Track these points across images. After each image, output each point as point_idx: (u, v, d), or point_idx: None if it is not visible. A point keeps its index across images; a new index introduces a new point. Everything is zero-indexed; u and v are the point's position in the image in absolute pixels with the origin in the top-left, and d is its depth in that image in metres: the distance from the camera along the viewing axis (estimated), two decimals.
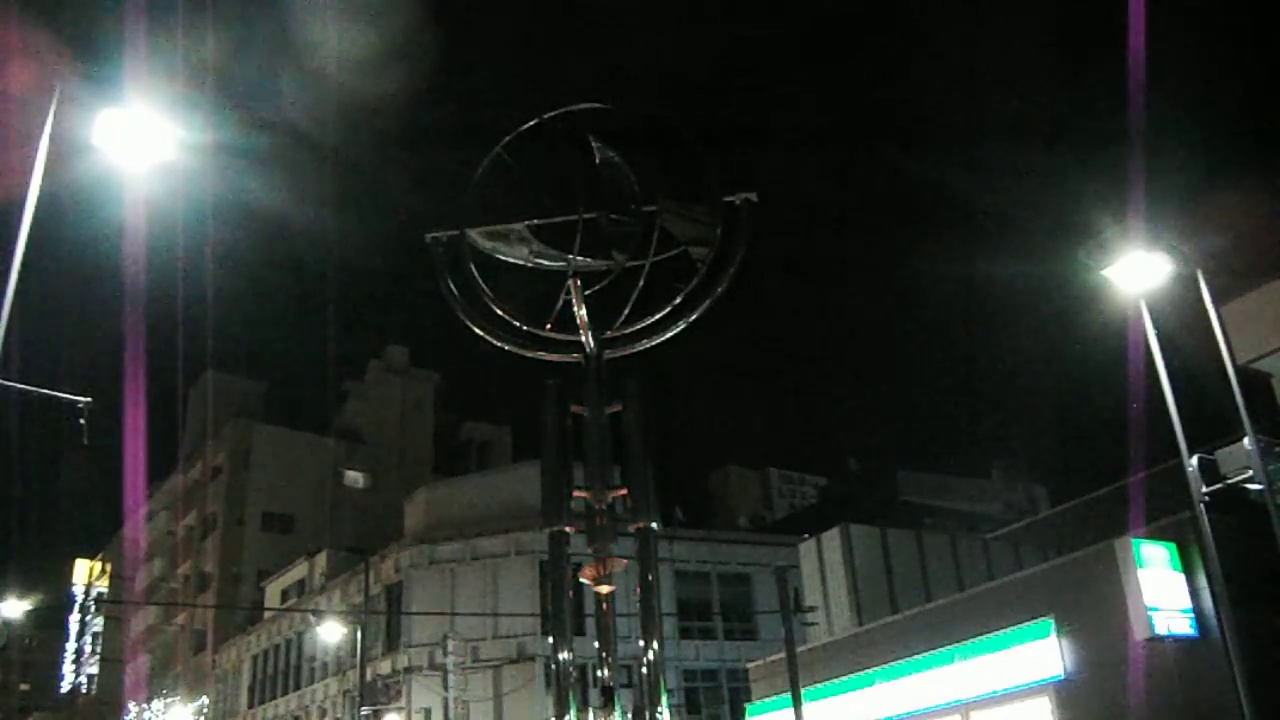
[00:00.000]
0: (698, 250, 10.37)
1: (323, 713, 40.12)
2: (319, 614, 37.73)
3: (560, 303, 10.29)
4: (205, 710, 48.82)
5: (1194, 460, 14.35)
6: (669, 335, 10.38)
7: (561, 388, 10.18)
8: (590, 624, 13.24)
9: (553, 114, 10.54)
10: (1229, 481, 14.54)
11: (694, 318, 10.30)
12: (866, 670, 19.98)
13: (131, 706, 51.64)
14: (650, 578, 9.50)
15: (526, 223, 10.61)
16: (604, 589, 9.50)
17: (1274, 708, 13.62)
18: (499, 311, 10.60)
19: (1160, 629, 15.00)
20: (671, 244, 10.50)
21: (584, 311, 10.05)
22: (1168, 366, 14.52)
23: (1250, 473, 14.04)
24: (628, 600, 10.14)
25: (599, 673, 9.51)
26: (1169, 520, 15.96)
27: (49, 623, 76.46)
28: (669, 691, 11.09)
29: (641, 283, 10.26)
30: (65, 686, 76.82)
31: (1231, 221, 15.84)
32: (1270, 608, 14.66)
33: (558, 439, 9.93)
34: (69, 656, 76.83)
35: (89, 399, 12.55)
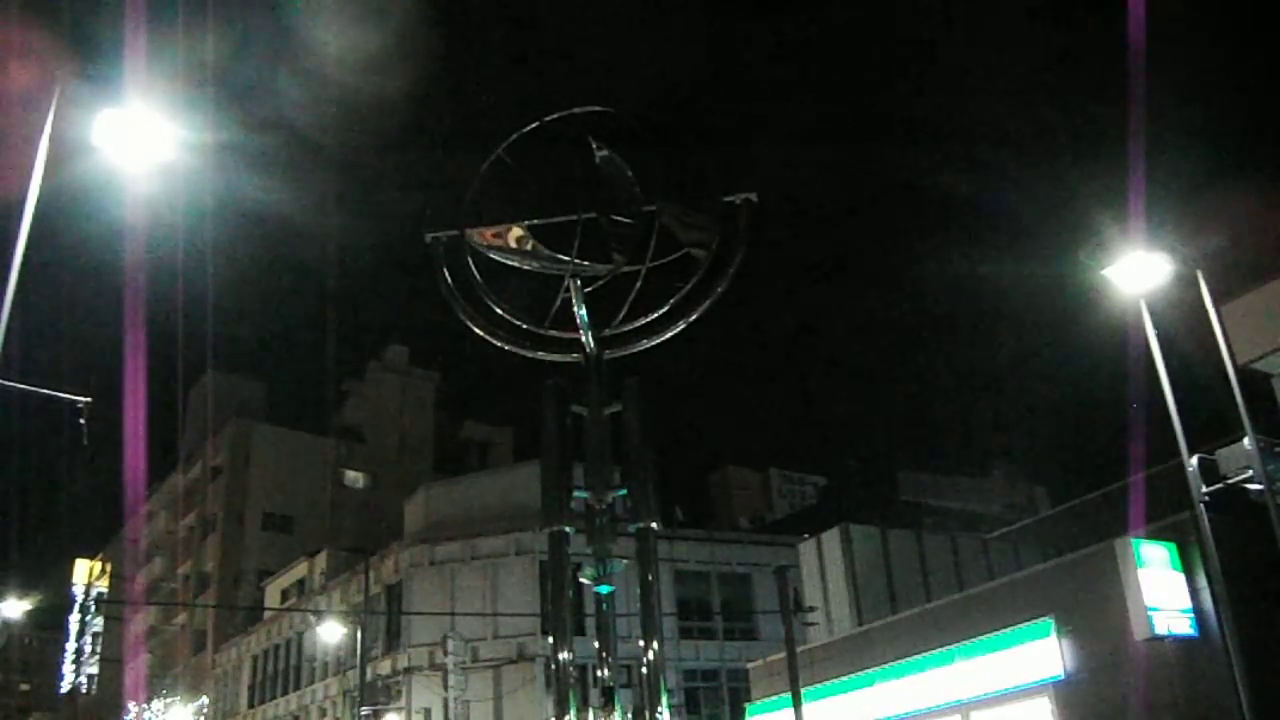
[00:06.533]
0: (698, 250, 10.36)
1: (323, 713, 40.11)
2: (319, 614, 37.74)
3: (560, 302, 10.28)
4: (205, 710, 48.82)
5: (1194, 460, 14.37)
6: (669, 335, 10.35)
7: (561, 388, 10.16)
8: (590, 624, 13.21)
9: (554, 116, 10.52)
10: (1229, 481, 14.57)
11: (694, 317, 10.27)
12: (866, 670, 19.98)
13: (131, 706, 51.58)
14: (650, 578, 9.48)
15: (526, 223, 10.59)
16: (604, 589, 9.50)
17: (1274, 708, 13.62)
18: (499, 311, 10.58)
19: (1160, 629, 14.99)
20: (672, 245, 10.49)
21: (584, 311, 10.04)
22: (1168, 366, 14.54)
23: (1250, 473, 14.07)
24: (628, 600, 10.14)
25: (599, 673, 9.50)
26: (1169, 520, 15.95)
27: (49, 623, 76.36)
28: (669, 691, 11.07)
29: (640, 283, 10.25)
30: (65, 686, 76.63)
31: (1231, 221, 15.85)
32: (1270, 608, 14.66)
33: (558, 439, 9.91)
34: (69, 656, 76.61)
35: (89, 399, 12.56)
